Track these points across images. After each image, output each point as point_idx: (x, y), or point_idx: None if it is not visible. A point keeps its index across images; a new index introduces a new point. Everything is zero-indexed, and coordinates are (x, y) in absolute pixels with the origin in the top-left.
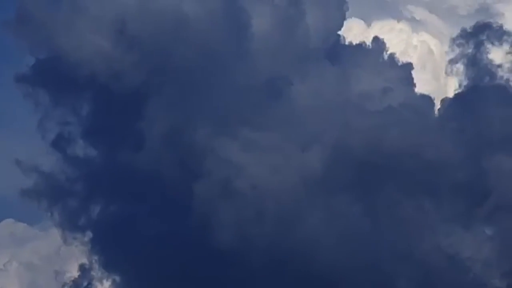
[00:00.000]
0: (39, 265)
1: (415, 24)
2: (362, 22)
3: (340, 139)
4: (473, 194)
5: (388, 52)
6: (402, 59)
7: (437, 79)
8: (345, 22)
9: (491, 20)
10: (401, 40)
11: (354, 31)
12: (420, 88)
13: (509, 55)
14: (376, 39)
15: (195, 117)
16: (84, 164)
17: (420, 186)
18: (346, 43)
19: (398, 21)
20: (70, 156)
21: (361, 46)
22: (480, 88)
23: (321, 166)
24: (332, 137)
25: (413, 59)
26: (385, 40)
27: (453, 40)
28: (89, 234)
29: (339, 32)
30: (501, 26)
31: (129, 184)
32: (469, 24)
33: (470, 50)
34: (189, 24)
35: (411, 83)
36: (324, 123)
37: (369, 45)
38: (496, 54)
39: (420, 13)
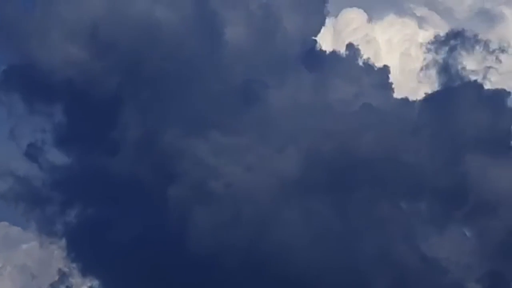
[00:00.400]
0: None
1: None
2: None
3: (316, 141)
4: (450, 196)
5: (364, 57)
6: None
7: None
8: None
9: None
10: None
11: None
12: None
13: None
14: (350, 45)
15: (169, 121)
16: (58, 169)
17: (397, 188)
18: (323, 48)
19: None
20: (44, 162)
21: (335, 53)
22: (452, 90)
23: (297, 169)
24: (308, 139)
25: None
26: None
27: (426, 45)
28: (65, 239)
29: (315, 38)
30: (476, 34)
31: (105, 189)
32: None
33: (443, 56)
34: (163, 29)
35: (388, 87)
36: (300, 126)
37: (343, 52)
38: (468, 61)
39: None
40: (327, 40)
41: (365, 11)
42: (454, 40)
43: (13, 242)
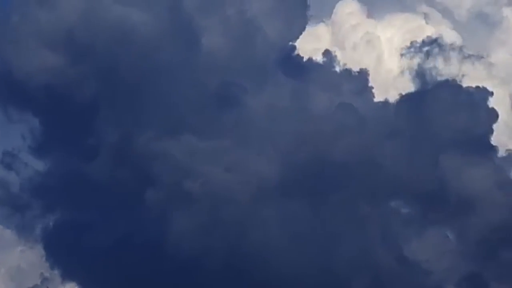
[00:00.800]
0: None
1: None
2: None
3: (294, 144)
4: (430, 197)
5: (341, 63)
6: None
7: None
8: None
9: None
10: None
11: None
12: None
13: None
14: (327, 52)
15: (147, 125)
16: (36, 176)
17: (376, 190)
18: (300, 54)
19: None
20: (22, 169)
21: (312, 60)
22: (428, 90)
23: (275, 172)
24: (286, 142)
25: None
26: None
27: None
28: (44, 244)
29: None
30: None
31: (83, 193)
32: None
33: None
34: (139, 34)
35: (367, 90)
36: (278, 129)
37: (320, 59)
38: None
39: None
40: (306, 45)
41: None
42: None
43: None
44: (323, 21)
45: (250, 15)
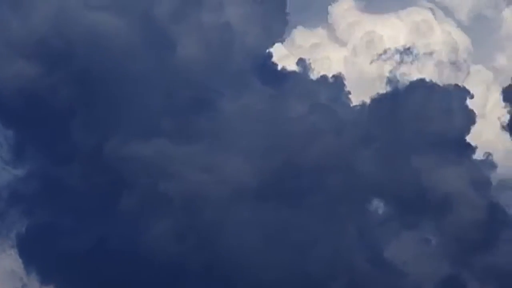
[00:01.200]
0: None
1: None
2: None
3: (272, 147)
4: (407, 199)
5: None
6: None
7: None
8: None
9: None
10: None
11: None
12: None
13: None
14: (301, 60)
15: (122, 131)
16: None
17: (353, 192)
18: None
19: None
20: None
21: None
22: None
23: (253, 175)
24: (264, 146)
25: None
26: None
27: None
28: (19, 249)
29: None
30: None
31: (60, 199)
32: None
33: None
34: (114, 41)
35: (342, 94)
36: (256, 134)
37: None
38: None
39: None
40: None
41: None
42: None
43: None
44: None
45: (226, 20)
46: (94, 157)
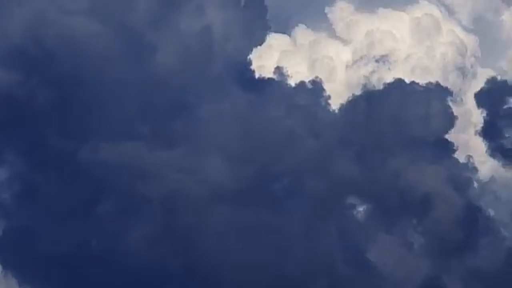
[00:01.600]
0: None
1: None
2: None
3: (251, 151)
4: (388, 200)
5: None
6: None
7: None
8: None
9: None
10: None
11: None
12: None
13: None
14: (278, 68)
15: (99, 135)
16: None
17: (332, 193)
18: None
19: None
20: None
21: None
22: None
23: (231, 179)
24: (242, 150)
25: None
26: None
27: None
28: None
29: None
30: None
31: (38, 203)
32: None
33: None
34: (90, 46)
35: (321, 98)
36: (234, 138)
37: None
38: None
39: None
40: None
41: None
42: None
43: None
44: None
45: (206, 25)
46: (72, 161)
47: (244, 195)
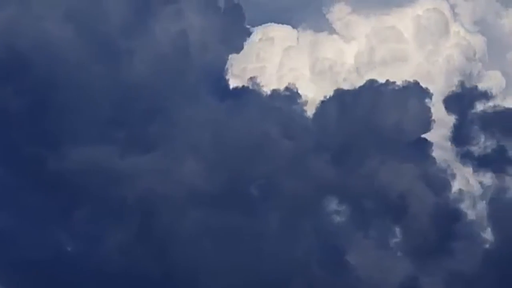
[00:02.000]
0: None
1: None
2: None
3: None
4: (366, 202)
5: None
6: None
7: None
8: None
9: None
10: None
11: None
12: None
13: None
14: (252, 78)
15: (74, 140)
16: None
17: (309, 195)
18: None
19: None
20: None
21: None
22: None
23: (207, 183)
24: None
25: None
26: None
27: None
28: None
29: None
30: None
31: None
32: None
33: None
34: (64, 51)
35: (297, 102)
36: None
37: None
38: None
39: None
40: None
41: None
42: None
43: None
44: None
45: (182, 29)
46: (47, 166)
47: (220, 199)
